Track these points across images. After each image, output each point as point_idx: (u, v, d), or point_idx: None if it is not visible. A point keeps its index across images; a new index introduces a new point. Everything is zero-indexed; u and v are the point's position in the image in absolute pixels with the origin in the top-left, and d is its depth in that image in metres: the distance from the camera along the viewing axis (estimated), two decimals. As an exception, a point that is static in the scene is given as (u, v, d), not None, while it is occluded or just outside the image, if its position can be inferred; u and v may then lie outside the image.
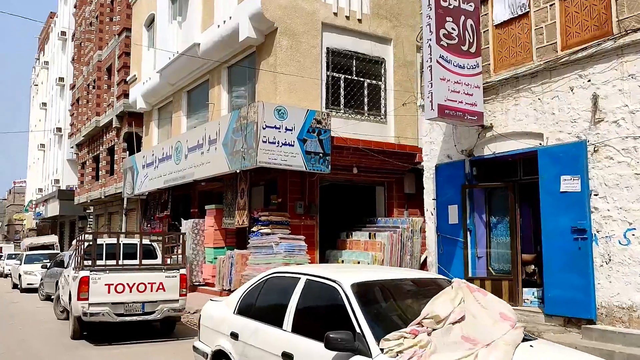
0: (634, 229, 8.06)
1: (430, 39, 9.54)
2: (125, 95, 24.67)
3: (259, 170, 13.29)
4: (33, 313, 14.88)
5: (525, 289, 10.24)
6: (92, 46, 31.22)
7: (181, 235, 12.16)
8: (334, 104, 14.60)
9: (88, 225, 33.06)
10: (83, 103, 32.94)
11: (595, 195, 8.54)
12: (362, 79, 15.18)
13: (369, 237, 14.03)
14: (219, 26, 15.69)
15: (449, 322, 4.30)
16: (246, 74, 15.65)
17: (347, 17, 14.93)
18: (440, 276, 5.67)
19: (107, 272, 10.14)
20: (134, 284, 10.18)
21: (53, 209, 39.71)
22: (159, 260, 12.01)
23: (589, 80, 8.67)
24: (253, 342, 5.13)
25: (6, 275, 29.06)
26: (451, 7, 9.78)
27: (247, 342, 5.21)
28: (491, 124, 10.22)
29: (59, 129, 43.04)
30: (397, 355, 3.92)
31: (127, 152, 25.38)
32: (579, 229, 8.65)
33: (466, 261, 10.63)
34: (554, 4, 9.23)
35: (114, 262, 10.71)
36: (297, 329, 4.76)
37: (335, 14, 14.72)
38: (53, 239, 34.56)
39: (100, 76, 29.23)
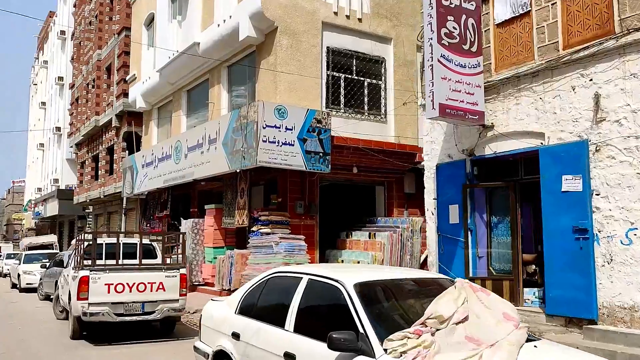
0: (636, 228, 8.04)
1: (431, 38, 9.51)
2: (125, 94, 24.63)
3: (259, 170, 13.26)
4: (32, 313, 14.85)
5: (526, 289, 10.22)
6: (92, 45, 31.17)
7: (181, 235, 12.11)
8: (334, 103, 14.57)
9: (87, 225, 33.02)
10: (82, 102, 32.89)
11: (597, 195, 8.51)
12: (362, 79, 15.15)
13: (369, 237, 14.00)
14: (219, 25, 15.66)
15: (453, 322, 4.28)
16: (246, 73, 15.62)
17: (348, 17, 14.90)
18: (443, 276, 5.64)
19: (107, 271, 10.10)
20: (134, 283, 10.14)
21: (52, 209, 39.65)
22: (158, 260, 11.97)
23: (591, 80, 8.64)
24: (255, 343, 5.10)
25: (5, 275, 29.03)
26: (452, 5, 9.76)
27: (248, 342, 5.18)
28: (492, 123, 10.19)
29: (58, 129, 42.99)
30: (401, 355, 3.89)
31: (127, 151, 25.33)
32: (580, 229, 8.63)
33: (467, 261, 10.60)
34: (556, 2, 9.20)
35: (113, 261, 10.67)
36: (299, 329, 4.73)
37: (336, 13, 14.69)
38: (52, 238, 34.51)
39: (100, 75, 29.18)
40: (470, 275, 10.40)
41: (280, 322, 4.91)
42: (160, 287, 10.33)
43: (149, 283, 10.25)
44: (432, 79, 9.42)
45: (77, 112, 34.60)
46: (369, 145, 14.09)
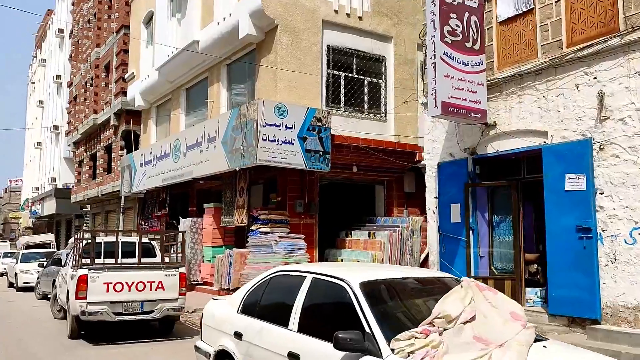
0: (641, 227, 7.98)
1: (434, 36, 9.44)
2: (123, 93, 24.53)
3: (259, 169, 13.17)
4: (30, 312, 14.73)
5: (528, 289, 10.17)
6: (90, 44, 31.06)
7: (181, 234, 12.01)
8: (334, 102, 14.49)
9: (85, 224, 32.89)
10: (80, 101, 32.77)
11: (601, 193, 8.46)
12: (362, 77, 15.06)
13: (369, 236, 13.93)
14: (218, 23, 15.57)
15: (460, 321, 4.20)
16: (246, 71, 15.54)
17: (348, 15, 14.82)
18: (448, 275, 5.56)
19: (106, 270, 9.99)
20: (133, 282, 10.03)
21: (49, 208, 39.50)
22: (157, 259, 11.86)
23: (595, 78, 8.58)
24: (258, 342, 5.01)
25: (2, 274, 28.88)
26: (455, 3, 9.70)
27: (251, 341, 5.10)
28: (495, 121, 10.13)
29: (56, 127, 42.82)
30: (409, 355, 3.81)
31: (125, 150, 25.24)
32: (584, 228, 8.57)
33: (469, 260, 10.54)
34: (560, 0, 9.13)
35: (112, 260, 10.56)
36: (303, 328, 4.65)
37: (336, 11, 14.61)
38: (49, 237, 34.32)
39: (98, 74, 29.07)
40: (472, 274, 10.33)
41: (283, 322, 4.83)
42: (160, 286, 10.22)
43: (148, 282, 10.14)
44: (435, 76, 9.36)
45: (75, 111, 34.48)
46: (369, 144, 14.02)
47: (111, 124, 26.26)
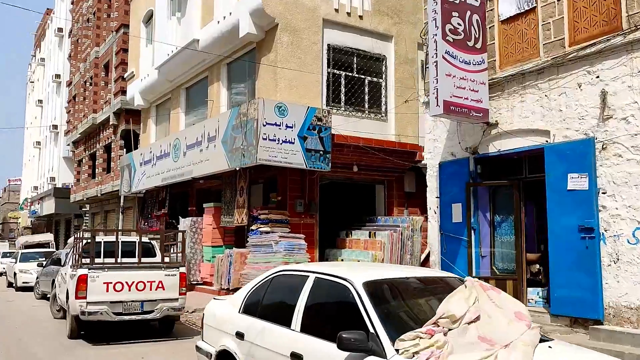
0: (643, 227, 7.94)
1: (435, 34, 9.39)
2: (123, 92, 24.46)
3: (259, 168, 13.13)
4: (29, 312, 14.68)
5: (529, 289, 10.13)
6: (89, 43, 30.99)
7: (181, 233, 11.96)
8: (334, 101, 14.45)
9: (84, 224, 32.82)
10: (80, 100, 32.70)
11: (604, 193, 8.41)
12: (362, 76, 15.02)
13: (369, 236, 13.89)
14: (218, 22, 15.52)
15: (465, 321, 4.16)
16: (246, 70, 15.49)
17: (348, 14, 14.78)
18: (451, 274, 5.52)
19: (106, 270, 9.94)
20: (133, 282, 9.98)
21: (48, 207, 39.43)
22: (158, 259, 11.82)
23: (598, 77, 8.54)
24: (260, 342, 4.97)
25: (1, 274, 28.81)
26: (457, 1, 9.65)
27: (253, 342, 5.05)
28: (496, 121, 10.08)
29: (55, 126, 42.75)
30: (414, 356, 3.76)
31: (124, 149, 25.18)
32: (586, 228, 8.53)
33: (470, 260, 10.49)
34: (562, -1, 9.10)
35: (112, 260, 10.51)
36: (306, 328, 4.61)
37: (337, 10, 14.57)
38: (48, 237, 34.26)
39: (98, 73, 29.01)
40: (474, 274, 10.27)
41: (286, 322, 4.79)
42: (160, 286, 10.18)
43: (148, 282, 10.09)
44: (437, 75, 9.31)
45: (74, 110, 34.40)
46: (369, 143, 13.98)
47: (110, 123, 26.19)
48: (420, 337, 3.89)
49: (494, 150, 10.22)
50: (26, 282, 20.87)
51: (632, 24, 8.08)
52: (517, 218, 10.20)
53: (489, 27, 10.27)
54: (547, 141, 9.24)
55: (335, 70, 14.53)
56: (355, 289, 4.37)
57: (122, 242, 11.09)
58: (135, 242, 11.50)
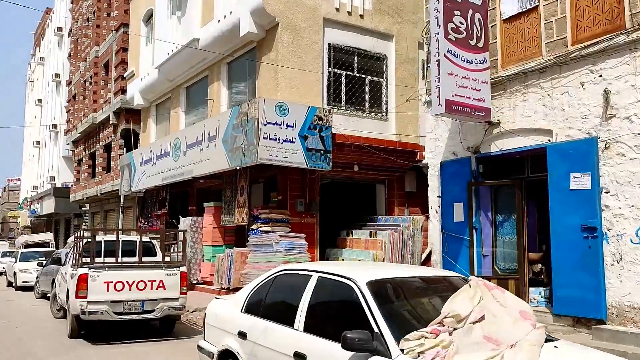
0: (646, 227, 7.91)
1: (437, 33, 9.37)
2: (123, 91, 24.42)
3: (259, 167, 13.10)
4: (29, 312, 14.64)
5: (531, 289, 10.10)
6: (89, 42, 30.94)
7: (182, 233, 11.92)
8: (335, 100, 14.41)
9: (84, 223, 32.78)
10: (79, 99, 32.66)
11: (606, 192, 8.39)
12: (363, 76, 14.98)
13: (370, 236, 13.86)
14: (219, 21, 15.48)
15: (470, 321, 4.13)
16: (246, 69, 15.45)
17: (349, 13, 14.74)
18: (454, 273, 5.49)
19: (106, 269, 9.91)
20: (134, 281, 9.94)
21: (48, 207, 39.37)
22: (158, 258, 11.78)
23: (600, 76, 8.51)
24: (262, 342, 4.94)
25: (1, 273, 28.77)
26: (459, 0, 9.62)
27: (256, 341, 5.02)
28: (498, 120, 10.06)
29: (55, 126, 42.70)
30: (419, 355, 3.74)
31: (124, 149, 25.12)
32: (589, 227, 8.50)
33: (472, 260, 10.47)
34: (565, -3, 9.07)
35: (112, 259, 10.48)
36: (309, 328, 4.57)
37: (337, 9, 14.53)
38: (48, 236, 34.20)
39: (97, 72, 28.96)
40: (475, 274, 10.25)
41: (289, 321, 4.76)
42: (161, 285, 10.14)
43: (149, 281, 10.05)
44: (439, 74, 9.28)
45: (74, 109, 34.35)
46: (370, 143, 13.94)
47: (110, 122, 26.15)
48: (426, 337, 3.86)
49: (496, 149, 10.19)
50: (26, 282, 20.84)
51: (635, 22, 8.05)
52: (519, 217, 10.17)
53: (491, 26, 10.24)
54: (549, 140, 9.21)
55: (336, 70, 14.49)
56: (359, 288, 4.34)
57: (122, 241, 11.08)
58: (135, 241, 11.47)
